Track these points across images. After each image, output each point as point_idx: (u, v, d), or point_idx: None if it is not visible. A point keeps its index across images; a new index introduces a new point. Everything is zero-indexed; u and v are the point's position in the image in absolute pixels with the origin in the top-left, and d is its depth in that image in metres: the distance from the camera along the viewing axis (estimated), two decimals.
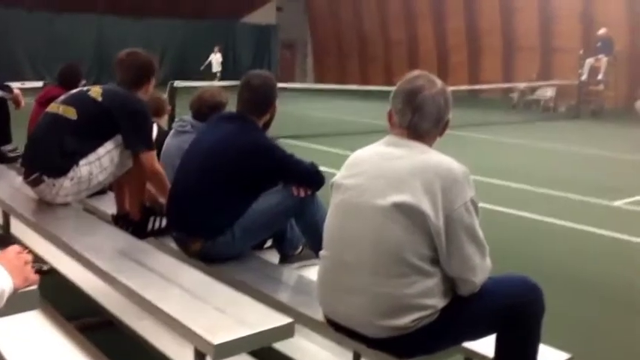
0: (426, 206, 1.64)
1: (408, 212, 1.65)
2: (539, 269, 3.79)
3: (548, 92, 16.00)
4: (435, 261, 1.70)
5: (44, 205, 2.83)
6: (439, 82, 1.83)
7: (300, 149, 8.06)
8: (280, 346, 2.19)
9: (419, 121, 1.77)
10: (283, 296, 2.14)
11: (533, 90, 16.24)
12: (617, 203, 5.85)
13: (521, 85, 16.04)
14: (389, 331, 1.70)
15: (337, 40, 22.62)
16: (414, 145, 1.76)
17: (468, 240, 1.69)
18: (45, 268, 1.29)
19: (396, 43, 20.55)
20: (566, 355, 1.93)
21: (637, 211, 5.67)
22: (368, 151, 1.85)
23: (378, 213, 1.69)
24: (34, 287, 1.31)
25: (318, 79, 22.53)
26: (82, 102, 2.83)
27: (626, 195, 6.11)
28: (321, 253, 1.88)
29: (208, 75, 17.82)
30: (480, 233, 1.73)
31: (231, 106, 2.82)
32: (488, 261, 1.77)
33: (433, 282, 1.69)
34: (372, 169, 1.76)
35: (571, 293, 3.58)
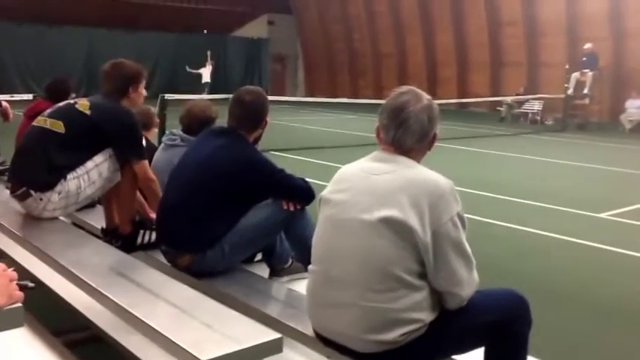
0: (413, 221, 1.65)
1: (395, 227, 1.66)
2: (526, 281, 3.82)
3: (535, 106, 16.25)
4: (423, 275, 1.70)
5: (32, 219, 2.81)
6: (425, 98, 1.82)
7: (291, 162, 8.08)
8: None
9: (402, 137, 1.78)
10: (273, 310, 2.14)
11: (520, 103, 16.47)
12: (603, 215, 5.91)
13: (509, 99, 16.25)
14: (378, 346, 1.70)
15: (328, 53, 22.78)
16: (400, 160, 1.77)
17: (455, 254, 1.70)
18: (30, 285, 1.27)
19: (386, 57, 20.74)
20: None
21: (622, 222, 5.73)
22: (355, 166, 1.86)
23: (366, 228, 1.70)
24: (19, 305, 1.30)
25: (309, 93, 22.65)
26: (69, 115, 2.82)
27: (611, 207, 6.17)
28: (310, 267, 1.88)
29: (197, 86, 17.86)
30: (467, 247, 1.74)
31: (222, 119, 2.83)
32: (475, 275, 1.78)
33: (421, 296, 1.70)
34: (359, 185, 1.77)
35: (558, 305, 3.60)
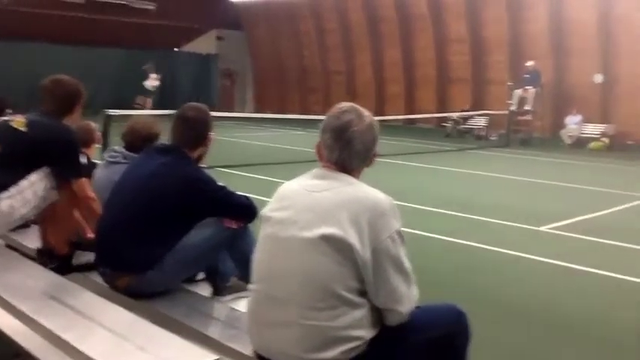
0: (353, 238, 1.66)
1: (335, 244, 1.67)
2: (468, 295, 3.89)
3: (481, 122, 16.83)
4: (363, 292, 1.72)
5: None
6: (367, 117, 1.83)
7: (237, 178, 8.01)
8: None
9: (347, 158, 1.79)
10: (213, 331, 2.10)
11: (466, 119, 17.01)
12: (543, 228, 6.09)
13: (455, 115, 16.77)
14: None
15: (277, 69, 22.85)
16: (341, 178, 1.79)
17: (394, 271, 1.72)
18: None
19: (336, 74, 21.02)
20: None
21: (562, 235, 5.92)
22: (296, 183, 1.86)
23: (306, 245, 1.70)
24: None
25: (258, 109, 22.61)
26: (4, 133, 2.72)
27: (551, 220, 6.38)
28: (250, 286, 1.87)
29: (143, 91, 17.87)
30: (406, 263, 1.76)
31: (167, 136, 2.78)
32: (414, 290, 1.80)
33: (361, 313, 1.71)
34: (300, 202, 1.77)
35: (500, 318, 3.66)
